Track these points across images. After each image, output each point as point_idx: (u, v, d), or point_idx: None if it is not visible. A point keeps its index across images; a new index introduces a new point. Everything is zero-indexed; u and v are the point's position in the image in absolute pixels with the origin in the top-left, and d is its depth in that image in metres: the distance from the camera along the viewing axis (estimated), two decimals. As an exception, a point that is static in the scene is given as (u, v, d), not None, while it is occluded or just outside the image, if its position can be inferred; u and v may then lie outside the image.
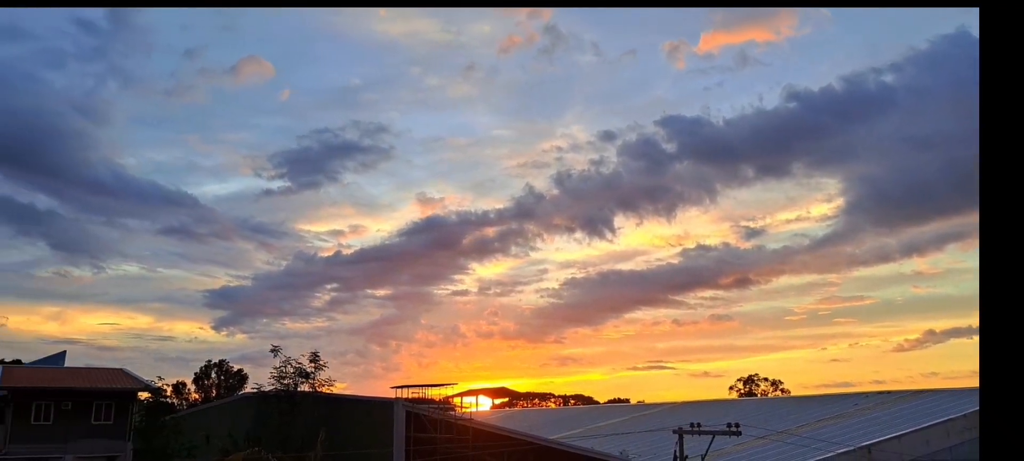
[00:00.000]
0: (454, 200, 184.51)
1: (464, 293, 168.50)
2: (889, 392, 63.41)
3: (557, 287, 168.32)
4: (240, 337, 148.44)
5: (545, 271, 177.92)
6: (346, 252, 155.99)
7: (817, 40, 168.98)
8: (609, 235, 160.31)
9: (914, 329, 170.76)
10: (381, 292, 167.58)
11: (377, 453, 43.40)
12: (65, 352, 56.92)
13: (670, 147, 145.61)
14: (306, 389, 50.77)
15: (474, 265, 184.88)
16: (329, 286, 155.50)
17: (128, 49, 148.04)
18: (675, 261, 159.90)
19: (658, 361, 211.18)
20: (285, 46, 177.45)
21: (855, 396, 65.36)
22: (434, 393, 51.45)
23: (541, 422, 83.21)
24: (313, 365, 51.50)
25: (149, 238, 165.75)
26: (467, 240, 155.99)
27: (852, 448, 44.93)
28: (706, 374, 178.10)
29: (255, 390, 54.15)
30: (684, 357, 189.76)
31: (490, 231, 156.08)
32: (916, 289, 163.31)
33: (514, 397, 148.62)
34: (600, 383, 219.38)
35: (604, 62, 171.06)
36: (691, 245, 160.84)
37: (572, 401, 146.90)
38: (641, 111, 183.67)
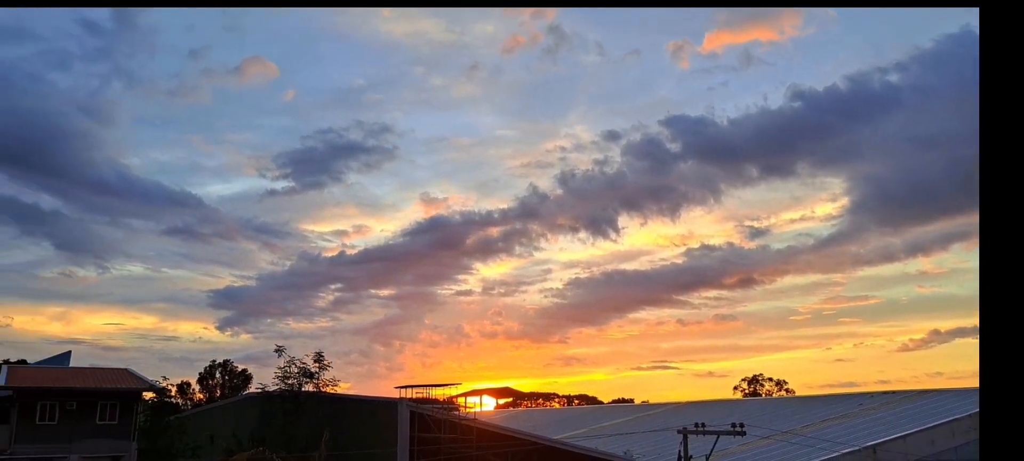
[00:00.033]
0: (458, 200, 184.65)
1: (468, 293, 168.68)
2: (894, 392, 63.27)
3: (561, 287, 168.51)
4: (244, 337, 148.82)
5: (549, 271, 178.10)
6: (350, 252, 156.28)
7: (821, 40, 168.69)
8: (613, 235, 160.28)
9: (919, 329, 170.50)
10: (385, 292, 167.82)
11: (381, 453, 43.40)
12: (70, 352, 57.06)
13: (674, 147, 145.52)
14: (310, 389, 50.77)
15: (478, 265, 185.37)
16: (333, 286, 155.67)
17: (132, 50, 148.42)
18: (679, 261, 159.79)
19: (662, 361, 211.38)
20: (289, 46, 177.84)
21: (860, 396, 65.22)
22: (438, 393, 51.50)
23: (545, 422, 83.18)
24: (317, 365, 51.52)
25: (153, 238, 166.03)
26: (471, 240, 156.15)
27: (857, 448, 44.83)
28: (710, 374, 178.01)
29: (259, 390, 54.17)
30: (688, 357, 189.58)
31: (494, 231, 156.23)
32: (921, 289, 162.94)
33: (518, 397, 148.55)
34: (604, 383, 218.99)
35: (608, 62, 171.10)
36: (695, 245, 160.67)
37: (576, 401, 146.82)
38: (645, 111, 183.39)
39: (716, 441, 35.28)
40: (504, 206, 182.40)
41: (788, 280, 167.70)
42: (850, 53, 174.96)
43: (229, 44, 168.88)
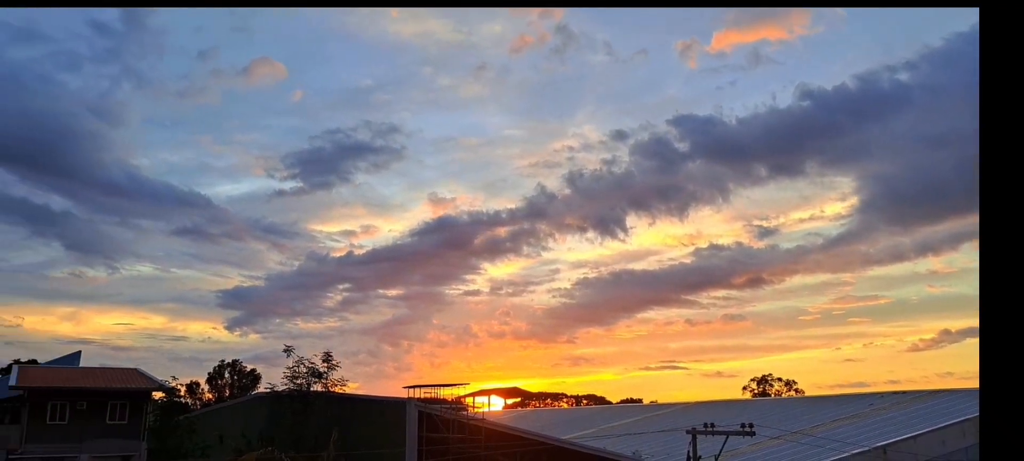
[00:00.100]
0: (466, 200, 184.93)
1: (476, 293, 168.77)
2: (905, 392, 62.94)
3: (569, 287, 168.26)
4: (253, 337, 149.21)
5: (557, 271, 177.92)
6: (358, 252, 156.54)
7: (830, 39, 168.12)
8: (621, 235, 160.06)
9: (929, 329, 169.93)
10: (393, 292, 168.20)
11: (389, 453, 43.42)
12: (80, 352, 57.29)
13: (682, 146, 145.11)
14: (319, 389, 50.84)
15: (486, 265, 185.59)
16: (341, 286, 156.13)
17: (142, 51, 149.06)
18: (688, 261, 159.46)
19: (671, 361, 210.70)
20: (297, 47, 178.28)
21: (870, 396, 64.90)
22: (446, 393, 51.40)
23: (553, 422, 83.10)
24: (326, 365, 51.59)
25: (163, 239, 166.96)
26: (479, 240, 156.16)
27: (867, 448, 44.60)
28: (719, 374, 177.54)
29: (268, 390, 54.29)
30: (697, 357, 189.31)
31: (502, 231, 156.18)
32: (931, 288, 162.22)
33: (526, 397, 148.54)
34: (612, 383, 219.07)
35: (616, 62, 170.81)
36: (704, 245, 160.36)
37: (584, 401, 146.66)
38: (653, 110, 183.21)
39: (725, 441, 35.15)
40: (512, 206, 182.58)
41: (797, 280, 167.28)
42: (859, 52, 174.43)
43: (238, 45, 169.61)
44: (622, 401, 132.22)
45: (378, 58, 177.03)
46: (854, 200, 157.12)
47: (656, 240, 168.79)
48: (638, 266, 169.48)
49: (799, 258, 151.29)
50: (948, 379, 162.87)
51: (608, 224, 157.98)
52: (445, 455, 45.02)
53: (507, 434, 49.06)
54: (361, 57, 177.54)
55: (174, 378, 56.66)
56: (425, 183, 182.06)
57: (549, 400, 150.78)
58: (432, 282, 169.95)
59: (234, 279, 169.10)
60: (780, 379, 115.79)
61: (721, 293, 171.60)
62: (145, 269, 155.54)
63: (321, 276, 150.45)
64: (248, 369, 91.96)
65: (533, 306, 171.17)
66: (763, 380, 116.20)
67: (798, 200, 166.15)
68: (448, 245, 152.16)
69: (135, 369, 48.55)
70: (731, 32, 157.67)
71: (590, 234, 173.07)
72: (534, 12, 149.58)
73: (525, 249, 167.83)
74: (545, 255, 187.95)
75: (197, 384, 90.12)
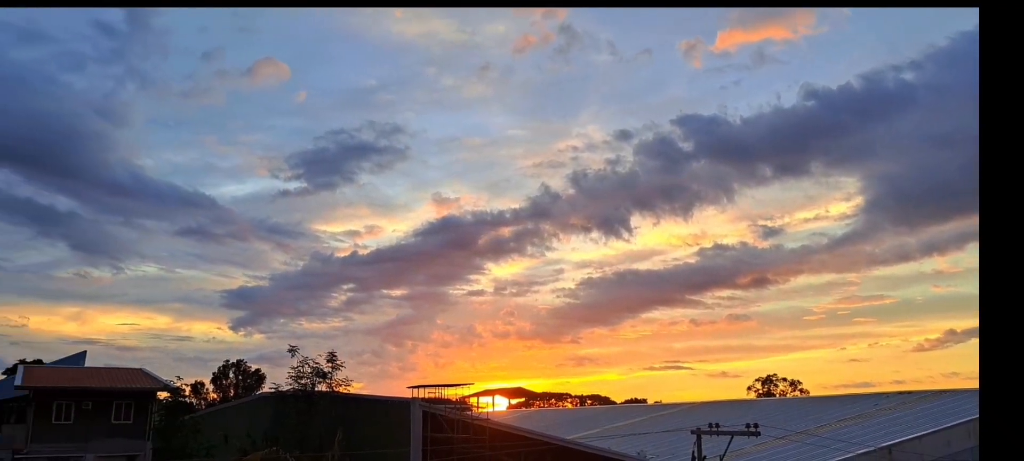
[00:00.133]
0: (469, 200, 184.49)
1: (480, 293, 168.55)
2: (910, 392, 62.77)
3: (573, 287, 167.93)
4: (258, 337, 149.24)
5: (561, 271, 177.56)
6: (362, 252, 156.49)
7: (835, 38, 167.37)
8: (626, 235, 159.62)
9: (934, 329, 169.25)
10: (397, 292, 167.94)
11: (394, 453, 43.46)
12: (85, 352, 57.51)
13: (687, 146, 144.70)
14: (323, 389, 50.95)
15: (490, 265, 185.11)
16: (345, 286, 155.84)
17: (146, 51, 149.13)
18: (692, 261, 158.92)
19: (675, 361, 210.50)
20: (301, 48, 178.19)
21: (876, 396, 64.75)
22: (451, 393, 51.45)
23: (558, 422, 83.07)
24: (330, 365, 51.72)
25: (167, 239, 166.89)
26: (483, 240, 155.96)
27: (872, 449, 44.50)
28: (724, 374, 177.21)
29: (273, 390, 54.41)
30: (702, 357, 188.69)
31: (506, 231, 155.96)
32: (936, 288, 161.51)
33: (531, 397, 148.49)
34: (617, 383, 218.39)
35: (620, 61, 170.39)
36: (708, 244, 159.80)
37: (589, 401, 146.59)
38: (657, 110, 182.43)
39: (730, 441, 35.08)
40: (516, 206, 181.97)
41: (802, 280, 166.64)
42: (864, 52, 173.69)
43: (242, 46, 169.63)
44: (626, 401, 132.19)
45: (382, 58, 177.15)
46: (859, 200, 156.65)
47: (660, 240, 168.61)
48: (642, 266, 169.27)
49: (804, 258, 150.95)
50: (953, 379, 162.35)
51: (612, 224, 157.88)
52: (449, 455, 45.04)
53: (511, 434, 49.07)
54: (365, 57, 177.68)
55: (179, 378, 56.51)
56: (429, 183, 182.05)
57: (553, 400, 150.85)
58: (436, 282, 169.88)
59: (238, 279, 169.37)
60: (785, 379, 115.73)
61: (726, 293, 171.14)
62: (150, 269, 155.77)
63: (325, 276, 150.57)
64: (253, 369, 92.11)
65: (537, 306, 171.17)
66: (768, 380, 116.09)
67: (803, 200, 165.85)
68: (452, 245, 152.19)
69: (140, 369, 48.67)
70: (735, 32, 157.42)
71: (594, 234, 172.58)
72: (538, 12, 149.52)
73: (529, 249, 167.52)
74: (549, 255, 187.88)
75: (202, 384, 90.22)
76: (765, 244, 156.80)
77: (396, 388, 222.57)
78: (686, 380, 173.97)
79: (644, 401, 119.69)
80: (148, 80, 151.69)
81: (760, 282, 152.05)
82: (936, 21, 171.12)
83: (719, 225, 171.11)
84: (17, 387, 42.92)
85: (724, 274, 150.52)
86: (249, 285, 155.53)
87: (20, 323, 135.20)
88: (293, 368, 51.28)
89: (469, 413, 48.94)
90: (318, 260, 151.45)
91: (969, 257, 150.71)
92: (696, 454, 35.15)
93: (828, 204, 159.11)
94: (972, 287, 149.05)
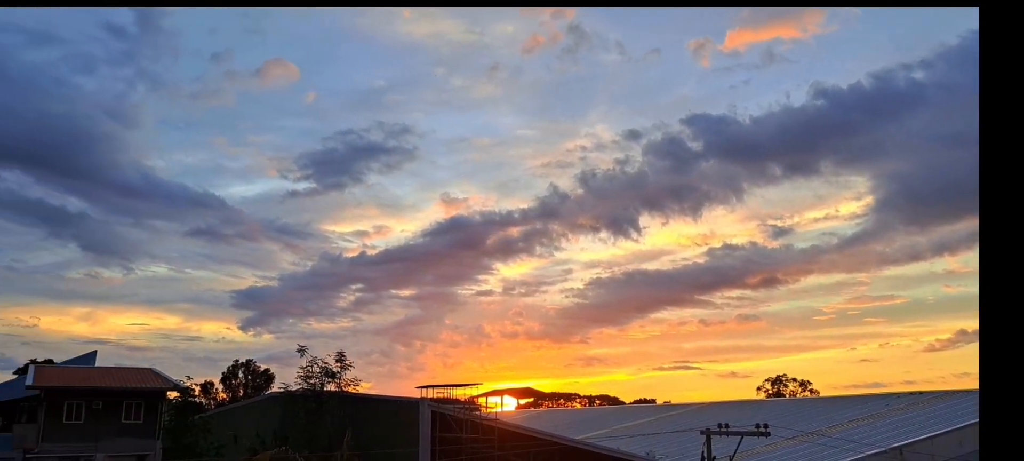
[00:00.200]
0: (478, 200, 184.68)
1: (488, 293, 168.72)
2: (921, 392, 62.40)
3: (582, 287, 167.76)
4: (267, 337, 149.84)
5: (570, 271, 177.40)
6: (371, 253, 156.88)
7: (845, 37, 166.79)
8: (634, 235, 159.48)
9: (946, 329, 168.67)
10: (406, 292, 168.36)
11: (403, 453, 43.46)
12: (96, 352, 57.70)
13: (696, 146, 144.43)
14: (332, 389, 51.00)
15: (498, 265, 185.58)
16: (354, 286, 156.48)
17: (156, 53, 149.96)
18: (701, 261, 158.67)
19: (684, 361, 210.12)
20: (310, 48, 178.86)
21: (887, 396, 64.40)
22: (459, 393, 51.38)
23: (567, 422, 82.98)
24: (339, 365, 51.75)
25: (177, 239, 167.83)
26: (491, 240, 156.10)
27: (884, 449, 44.23)
28: (733, 374, 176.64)
29: (282, 390, 54.52)
30: (711, 357, 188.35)
31: (514, 231, 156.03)
32: (947, 288, 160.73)
33: (539, 397, 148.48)
34: (626, 383, 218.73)
35: (629, 61, 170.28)
36: (718, 244, 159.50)
37: (598, 401, 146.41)
38: (666, 110, 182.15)
39: (740, 442, 34.90)
40: (525, 206, 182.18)
41: (812, 280, 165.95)
42: (874, 50, 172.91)
43: (251, 47, 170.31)
44: (635, 401, 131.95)
45: (390, 59, 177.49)
46: (869, 199, 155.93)
47: (669, 240, 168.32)
48: (651, 266, 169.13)
49: (814, 258, 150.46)
50: (965, 379, 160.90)
51: (621, 224, 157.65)
52: (458, 455, 45.01)
53: (520, 434, 49.00)
54: (374, 58, 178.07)
55: (189, 378, 56.93)
56: (437, 183, 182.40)
57: (562, 400, 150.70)
58: (445, 282, 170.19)
59: (248, 279, 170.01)
60: (795, 379, 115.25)
61: (735, 293, 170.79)
62: (160, 270, 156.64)
63: (334, 276, 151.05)
64: (262, 369, 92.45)
65: (546, 306, 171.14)
66: (778, 380, 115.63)
67: (813, 199, 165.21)
68: (461, 245, 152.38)
69: (150, 369, 48.86)
70: (745, 31, 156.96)
71: (603, 234, 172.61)
72: (546, 12, 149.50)
73: (538, 249, 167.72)
74: (558, 255, 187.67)
75: (211, 384, 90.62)
76: (775, 244, 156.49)
77: (405, 388, 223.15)
78: (695, 380, 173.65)
79: (653, 401, 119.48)
80: (158, 82, 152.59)
81: (770, 282, 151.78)
82: (947, 20, 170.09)
83: (728, 225, 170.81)
84: (28, 387, 43.14)
85: (733, 274, 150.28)
86: (258, 285, 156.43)
87: (31, 323, 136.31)
88: (302, 368, 51.42)
89: (478, 413, 48.88)
90: (327, 260, 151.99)
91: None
92: (706, 455, 35.00)
93: (838, 203, 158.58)
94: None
